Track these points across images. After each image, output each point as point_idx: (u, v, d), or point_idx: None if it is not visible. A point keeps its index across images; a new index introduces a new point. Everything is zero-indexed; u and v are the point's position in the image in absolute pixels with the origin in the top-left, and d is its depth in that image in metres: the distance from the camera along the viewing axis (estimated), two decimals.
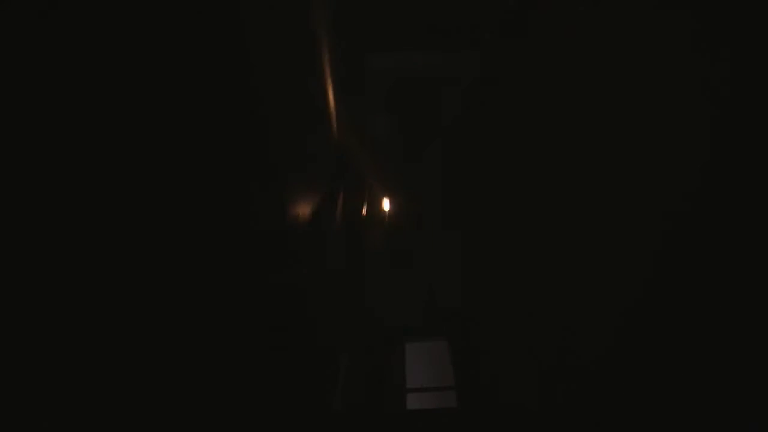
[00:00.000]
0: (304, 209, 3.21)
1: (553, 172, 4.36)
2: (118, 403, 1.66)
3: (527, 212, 4.64)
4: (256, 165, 2.26)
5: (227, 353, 2.21)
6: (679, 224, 2.41)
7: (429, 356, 5.33)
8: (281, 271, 2.46)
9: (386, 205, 4.75)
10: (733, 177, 2.05)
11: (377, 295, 4.77)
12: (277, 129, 2.49)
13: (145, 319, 1.76)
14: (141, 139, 1.71)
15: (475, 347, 4.44)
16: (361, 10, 4.68)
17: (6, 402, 1.33)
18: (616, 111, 3.18)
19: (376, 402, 4.47)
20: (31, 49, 1.31)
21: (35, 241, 1.35)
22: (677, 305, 2.45)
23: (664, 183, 2.54)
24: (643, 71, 2.76)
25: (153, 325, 1.80)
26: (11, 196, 1.28)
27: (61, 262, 1.44)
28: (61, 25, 1.39)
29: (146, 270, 1.75)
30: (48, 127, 1.37)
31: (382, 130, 4.85)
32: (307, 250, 3.00)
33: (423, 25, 4.93)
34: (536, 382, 4.27)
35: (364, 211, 4.71)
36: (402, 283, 4.66)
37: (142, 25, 1.67)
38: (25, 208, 1.31)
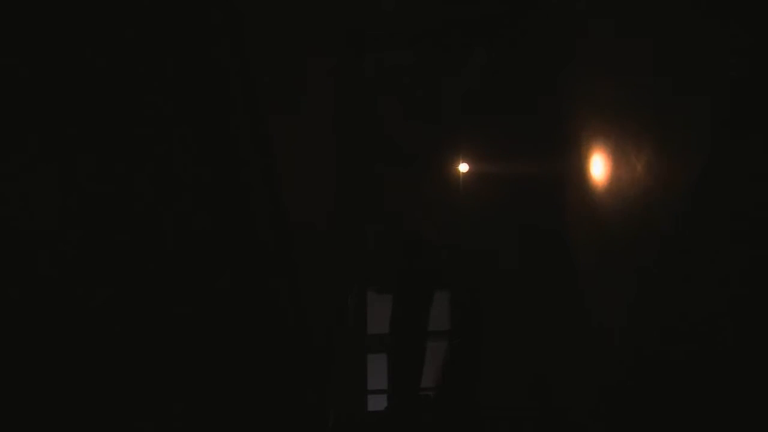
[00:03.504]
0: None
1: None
2: (116, 404, 1.66)
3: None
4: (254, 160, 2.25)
5: (225, 354, 2.21)
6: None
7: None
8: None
9: None
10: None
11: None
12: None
13: (145, 320, 1.76)
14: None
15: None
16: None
17: (6, 402, 1.33)
18: None
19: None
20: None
21: (36, 241, 1.36)
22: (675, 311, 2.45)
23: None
24: None
25: (153, 325, 1.80)
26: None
27: (63, 265, 1.44)
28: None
29: (145, 271, 1.75)
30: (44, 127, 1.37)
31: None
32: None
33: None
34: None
35: None
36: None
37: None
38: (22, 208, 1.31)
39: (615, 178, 3.05)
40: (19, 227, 1.32)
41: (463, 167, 5.11)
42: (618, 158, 3.02)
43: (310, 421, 2.94)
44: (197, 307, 2.03)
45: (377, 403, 4.89)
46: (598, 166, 3.31)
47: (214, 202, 2.07)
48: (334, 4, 4.34)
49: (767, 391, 1.82)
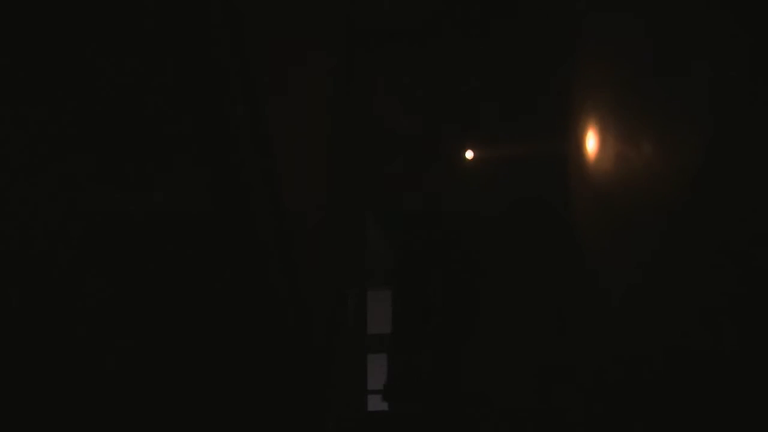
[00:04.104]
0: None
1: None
2: (115, 403, 1.66)
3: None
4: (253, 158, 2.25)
5: (224, 354, 2.21)
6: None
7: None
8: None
9: None
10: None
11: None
12: None
13: (144, 320, 1.76)
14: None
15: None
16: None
17: (6, 402, 1.33)
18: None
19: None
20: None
21: (31, 244, 1.36)
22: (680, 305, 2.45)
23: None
24: None
25: (152, 325, 1.80)
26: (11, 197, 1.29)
27: (62, 265, 1.44)
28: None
29: (145, 271, 1.75)
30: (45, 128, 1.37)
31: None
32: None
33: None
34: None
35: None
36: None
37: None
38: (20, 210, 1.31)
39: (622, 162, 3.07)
40: (19, 227, 1.32)
41: (468, 155, 5.12)
42: (623, 144, 3.04)
43: (309, 421, 2.94)
44: (197, 307, 2.03)
45: (377, 403, 4.89)
46: (604, 150, 3.34)
47: (214, 202, 2.07)
48: (335, 4, 4.34)
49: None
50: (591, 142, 3.60)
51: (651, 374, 2.65)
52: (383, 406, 4.74)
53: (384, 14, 4.88)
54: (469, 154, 5.12)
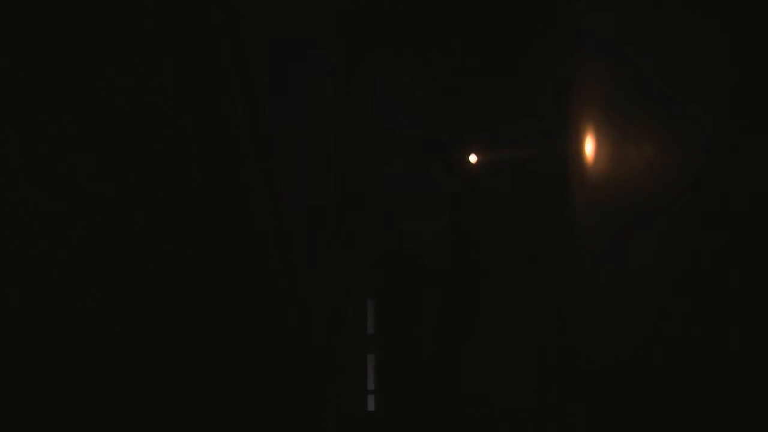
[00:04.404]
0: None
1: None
2: (116, 402, 1.66)
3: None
4: (253, 161, 2.25)
5: (225, 353, 2.21)
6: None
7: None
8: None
9: None
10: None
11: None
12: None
13: (144, 319, 1.76)
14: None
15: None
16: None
17: (6, 402, 1.33)
18: None
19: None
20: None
21: (35, 242, 1.36)
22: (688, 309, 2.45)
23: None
24: None
25: (153, 325, 1.80)
26: (11, 197, 1.29)
27: (63, 265, 1.44)
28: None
29: (145, 271, 1.75)
30: (43, 127, 1.37)
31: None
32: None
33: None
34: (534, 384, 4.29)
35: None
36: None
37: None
38: (22, 209, 1.31)
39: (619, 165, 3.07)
40: (19, 227, 1.32)
41: (472, 159, 5.13)
42: (621, 148, 3.04)
43: (309, 420, 2.94)
44: (197, 308, 2.03)
45: (377, 403, 4.89)
46: (604, 150, 3.35)
47: (214, 202, 2.07)
48: (335, 4, 4.34)
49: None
50: (591, 143, 3.60)
51: (651, 374, 2.65)
52: (383, 406, 4.74)
53: (384, 14, 4.88)
54: (470, 156, 5.13)
